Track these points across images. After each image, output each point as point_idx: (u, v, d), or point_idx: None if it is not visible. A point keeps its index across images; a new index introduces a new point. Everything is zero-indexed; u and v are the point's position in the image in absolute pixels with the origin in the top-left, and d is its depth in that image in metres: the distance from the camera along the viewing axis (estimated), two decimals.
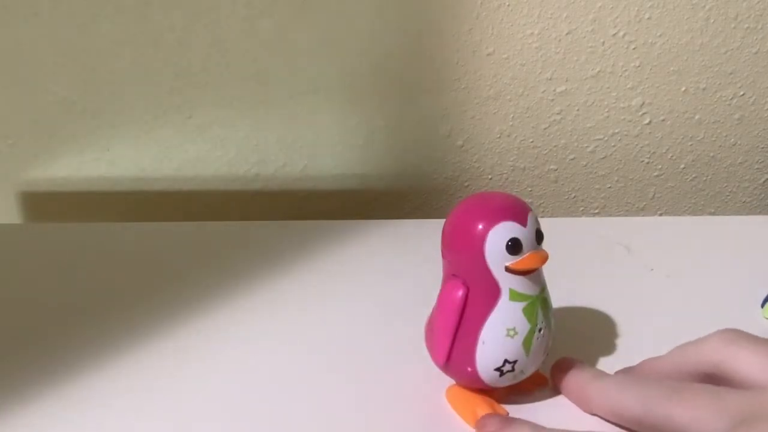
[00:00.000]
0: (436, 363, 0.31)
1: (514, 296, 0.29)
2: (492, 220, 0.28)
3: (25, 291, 0.43)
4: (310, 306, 0.40)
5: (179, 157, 0.58)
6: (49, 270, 0.45)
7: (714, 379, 0.28)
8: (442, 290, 0.30)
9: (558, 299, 0.31)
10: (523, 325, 0.29)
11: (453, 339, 0.29)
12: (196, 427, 0.31)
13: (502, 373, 0.29)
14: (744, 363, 0.27)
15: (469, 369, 0.30)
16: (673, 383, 0.28)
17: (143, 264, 0.45)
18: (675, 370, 0.30)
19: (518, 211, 0.29)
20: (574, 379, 0.31)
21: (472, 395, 0.31)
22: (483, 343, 0.29)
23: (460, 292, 0.29)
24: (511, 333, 0.29)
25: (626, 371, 0.32)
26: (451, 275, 0.30)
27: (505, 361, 0.29)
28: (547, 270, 0.30)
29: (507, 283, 0.29)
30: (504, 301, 0.29)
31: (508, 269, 0.28)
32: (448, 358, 0.30)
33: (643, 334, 0.36)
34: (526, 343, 0.29)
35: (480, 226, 0.28)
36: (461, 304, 0.29)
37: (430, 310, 0.32)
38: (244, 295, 0.41)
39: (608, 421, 0.30)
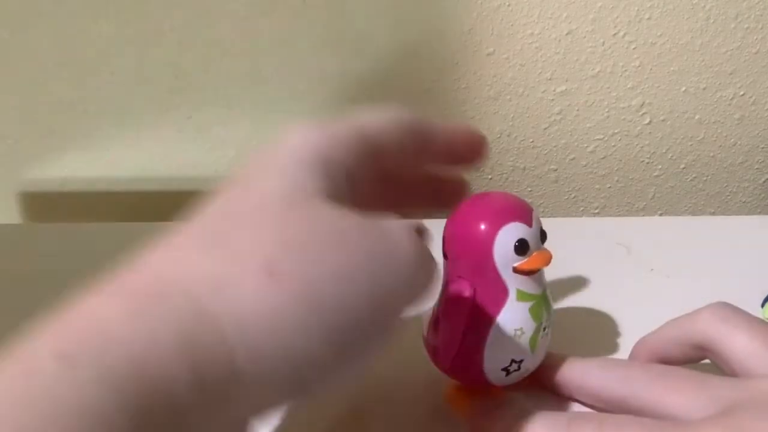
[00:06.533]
0: (441, 365, 0.30)
1: (522, 296, 0.29)
2: (499, 222, 0.28)
3: (25, 291, 0.43)
4: None
5: (179, 157, 0.58)
6: (49, 270, 0.45)
7: (706, 353, 0.28)
8: (446, 292, 0.30)
9: (558, 299, 0.31)
10: (529, 325, 0.29)
11: (461, 341, 0.29)
12: None
13: (508, 373, 0.29)
14: (737, 345, 0.26)
15: (476, 370, 0.29)
16: (659, 367, 0.28)
17: None
18: (667, 343, 0.30)
19: (524, 212, 0.29)
20: (552, 363, 0.31)
21: (472, 395, 0.31)
22: (491, 344, 0.29)
23: (468, 294, 0.29)
24: (519, 333, 0.29)
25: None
26: (456, 277, 0.29)
27: (512, 360, 0.29)
28: (547, 270, 0.30)
29: (514, 283, 0.29)
30: (512, 301, 0.29)
31: (515, 270, 0.28)
32: (455, 360, 0.30)
33: (643, 334, 0.36)
34: (532, 341, 0.29)
35: (488, 228, 0.28)
36: (470, 306, 0.29)
37: (430, 311, 0.31)
38: None
39: (587, 404, 0.30)
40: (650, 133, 0.57)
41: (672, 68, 0.55)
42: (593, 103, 0.56)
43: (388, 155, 0.26)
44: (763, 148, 0.58)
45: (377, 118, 0.26)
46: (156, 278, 0.20)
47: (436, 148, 0.28)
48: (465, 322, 0.29)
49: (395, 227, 0.23)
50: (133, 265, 0.21)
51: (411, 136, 0.27)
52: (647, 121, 0.57)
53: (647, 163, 0.59)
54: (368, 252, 0.21)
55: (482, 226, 0.28)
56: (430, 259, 0.24)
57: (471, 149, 0.29)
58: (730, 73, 0.55)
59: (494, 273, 0.28)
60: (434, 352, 0.31)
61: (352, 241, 0.21)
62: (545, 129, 0.57)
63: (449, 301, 0.29)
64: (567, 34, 0.53)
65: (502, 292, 0.29)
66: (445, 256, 0.30)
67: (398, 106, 0.27)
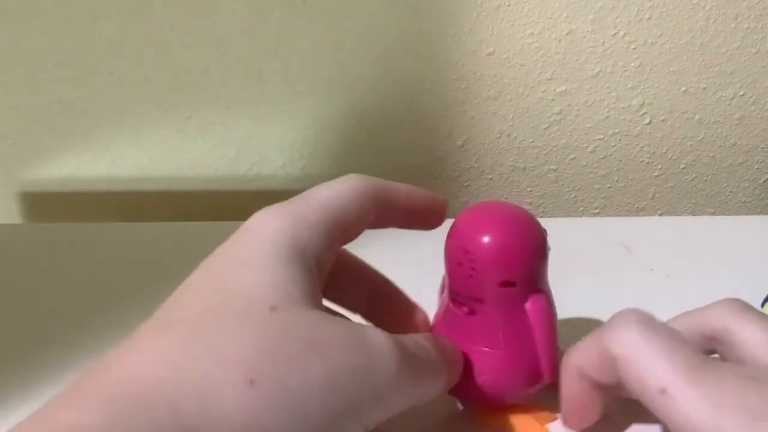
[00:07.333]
0: (543, 381, 0.30)
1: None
2: (537, 225, 0.29)
3: (25, 291, 0.43)
4: None
5: (179, 157, 0.58)
6: (49, 270, 0.45)
7: (716, 344, 0.28)
8: (530, 310, 0.29)
9: (558, 299, 0.31)
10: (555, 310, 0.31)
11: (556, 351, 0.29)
12: None
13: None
14: (749, 336, 0.27)
15: (557, 369, 0.30)
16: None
17: (143, 264, 0.45)
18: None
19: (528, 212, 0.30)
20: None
21: (515, 415, 0.30)
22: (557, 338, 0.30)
23: (551, 304, 0.29)
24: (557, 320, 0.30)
25: None
26: (529, 295, 0.29)
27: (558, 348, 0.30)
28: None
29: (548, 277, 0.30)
30: (549, 293, 0.30)
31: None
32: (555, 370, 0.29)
33: None
34: None
35: (538, 233, 0.29)
36: (554, 313, 0.29)
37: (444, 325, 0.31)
38: None
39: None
40: (650, 133, 0.57)
41: (672, 68, 0.55)
42: (593, 103, 0.56)
43: (351, 230, 0.27)
44: (763, 148, 0.58)
45: (340, 194, 0.27)
46: (136, 378, 0.20)
47: (395, 213, 0.29)
48: (555, 331, 0.29)
49: (375, 337, 0.23)
50: (111, 361, 0.21)
51: (372, 205, 0.27)
52: (647, 121, 0.57)
53: (647, 163, 0.59)
54: (349, 363, 0.22)
55: (532, 236, 0.28)
56: (420, 366, 0.25)
57: (430, 214, 0.30)
58: (730, 73, 0.55)
59: (545, 273, 0.29)
60: (530, 376, 0.29)
61: (333, 352, 0.22)
62: (545, 129, 0.57)
63: (540, 321, 0.29)
64: (567, 34, 0.53)
65: (548, 290, 0.30)
66: (506, 284, 0.28)
67: (357, 175, 0.28)
